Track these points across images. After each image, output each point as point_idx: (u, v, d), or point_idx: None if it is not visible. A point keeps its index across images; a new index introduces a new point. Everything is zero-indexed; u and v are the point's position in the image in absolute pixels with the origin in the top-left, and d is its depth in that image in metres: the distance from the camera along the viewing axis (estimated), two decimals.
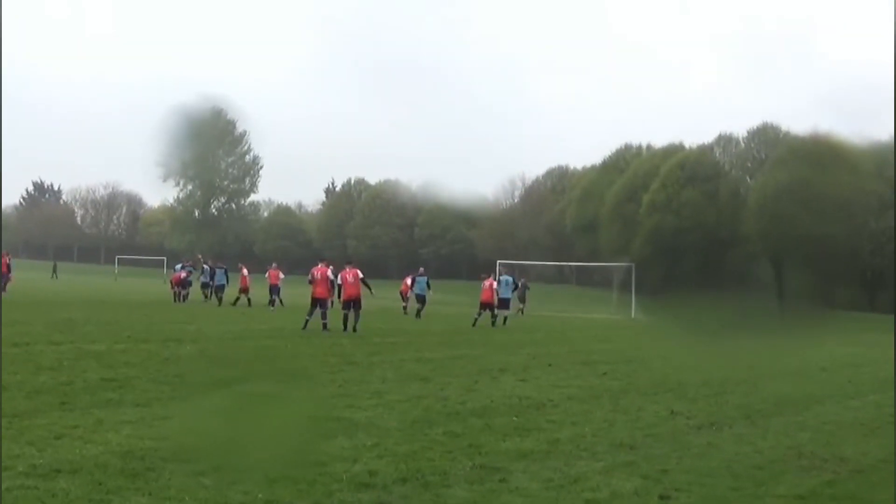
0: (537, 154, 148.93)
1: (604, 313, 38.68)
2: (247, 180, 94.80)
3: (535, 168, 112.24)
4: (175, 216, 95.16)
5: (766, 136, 59.61)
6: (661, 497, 5.67)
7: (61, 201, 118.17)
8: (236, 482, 5.38)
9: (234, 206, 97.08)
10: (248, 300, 29.06)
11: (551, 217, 72.01)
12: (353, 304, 19.71)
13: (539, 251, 64.54)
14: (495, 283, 25.15)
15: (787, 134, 57.58)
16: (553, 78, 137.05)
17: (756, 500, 5.86)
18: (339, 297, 20.56)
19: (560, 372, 12.98)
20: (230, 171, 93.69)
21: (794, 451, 7.49)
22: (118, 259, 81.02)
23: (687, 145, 62.65)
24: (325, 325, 19.29)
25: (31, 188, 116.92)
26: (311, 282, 20.30)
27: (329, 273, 20.99)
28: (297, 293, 21.02)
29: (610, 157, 70.83)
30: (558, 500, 5.53)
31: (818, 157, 46.16)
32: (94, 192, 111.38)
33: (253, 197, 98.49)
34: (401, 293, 31.28)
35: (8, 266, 29.86)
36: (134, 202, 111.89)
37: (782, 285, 47.89)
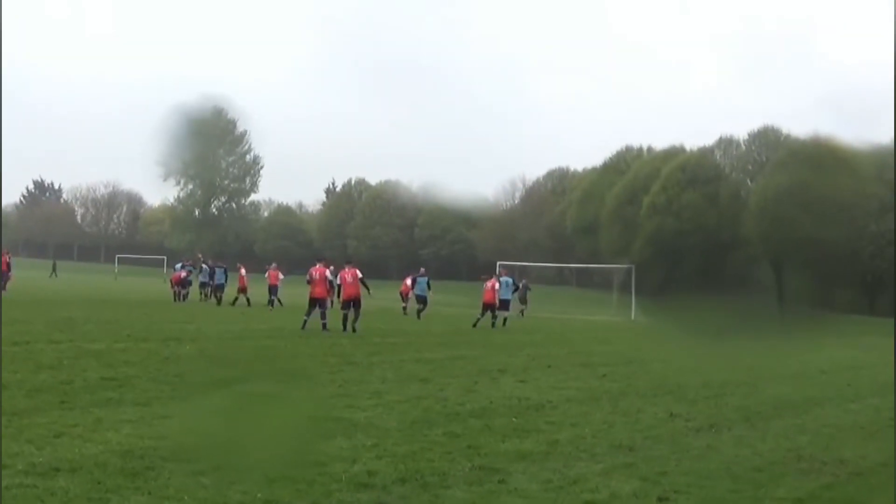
0: (537, 154, 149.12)
1: (604, 315, 38.67)
2: (247, 180, 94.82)
3: (535, 169, 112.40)
4: (175, 215, 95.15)
5: (766, 139, 59.63)
6: (660, 499, 5.67)
7: (61, 200, 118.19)
8: (235, 482, 5.39)
9: (234, 205, 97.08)
10: (247, 300, 29.05)
11: (552, 218, 72.00)
12: (352, 304, 19.71)
13: (539, 252, 64.55)
14: (497, 284, 25.13)
15: (787, 137, 57.61)
16: (553, 78, 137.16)
17: (755, 502, 5.86)
18: (338, 297, 20.57)
19: (559, 373, 12.98)
20: (231, 170, 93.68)
21: (794, 453, 7.49)
22: (118, 258, 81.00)
23: (688, 148, 62.72)
24: (324, 326, 19.29)
25: (31, 187, 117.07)
26: (309, 282, 20.30)
27: (328, 273, 21.00)
28: (296, 293, 21.03)
29: (610, 158, 70.86)
30: (557, 501, 5.54)
31: (818, 160, 46.18)
32: (94, 191, 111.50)
33: (253, 196, 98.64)
34: (401, 293, 31.27)
35: (8, 264, 29.86)
36: (134, 201, 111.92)
37: (782, 288, 47.94)
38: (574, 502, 5.53)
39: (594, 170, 72.29)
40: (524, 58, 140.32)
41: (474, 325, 23.89)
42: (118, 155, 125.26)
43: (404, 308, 29.97)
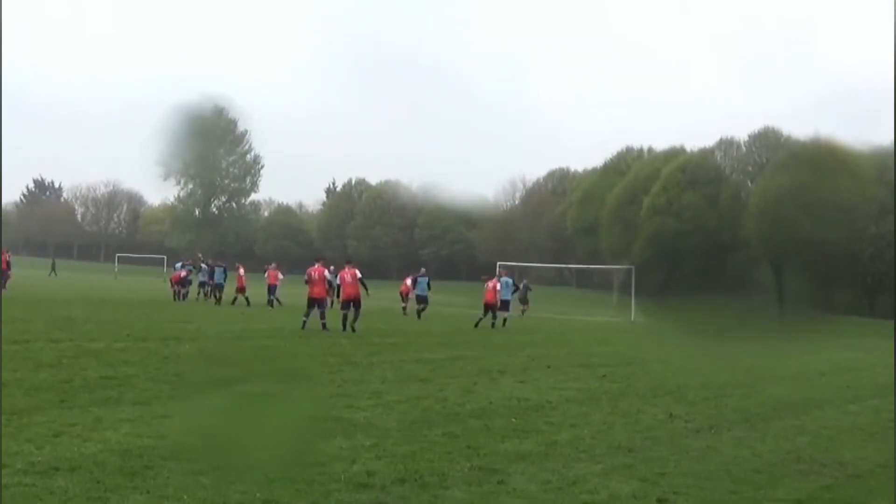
0: (537, 154, 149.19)
1: (603, 316, 38.68)
2: (247, 179, 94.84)
3: (535, 169, 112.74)
4: (175, 215, 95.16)
5: (767, 140, 59.58)
6: (660, 500, 5.67)
7: (62, 199, 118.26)
8: (235, 481, 5.38)
9: (234, 205, 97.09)
10: (246, 299, 29.07)
11: (552, 219, 72.00)
12: (352, 304, 19.71)
13: (539, 253, 64.54)
14: (499, 285, 25.17)
15: (787, 138, 57.57)
16: (553, 78, 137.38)
17: (754, 503, 5.86)
18: (338, 297, 20.57)
19: (559, 374, 12.98)
20: (231, 170, 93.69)
21: (793, 455, 7.50)
22: (118, 257, 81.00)
23: (688, 148, 62.72)
24: (324, 325, 19.29)
25: (31, 186, 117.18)
26: (307, 282, 20.30)
27: (326, 273, 21.00)
28: (296, 293, 21.03)
29: (611, 159, 70.85)
30: (556, 501, 5.54)
31: (819, 161, 46.17)
32: (94, 190, 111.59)
33: (253, 196, 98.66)
34: (401, 293, 31.28)
35: (8, 263, 29.86)
36: (134, 200, 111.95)
37: (782, 289, 47.94)
38: (573, 503, 5.53)
39: (594, 170, 72.29)
40: (524, 58, 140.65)
41: (476, 325, 23.91)
42: (118, 155, 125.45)
43: (404, 308, 29.98)
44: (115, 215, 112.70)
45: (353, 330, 19.07)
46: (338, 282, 20.88)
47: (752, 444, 7.87)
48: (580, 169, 78.22)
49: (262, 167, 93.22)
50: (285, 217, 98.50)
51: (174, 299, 30.98)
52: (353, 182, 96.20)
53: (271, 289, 29.13)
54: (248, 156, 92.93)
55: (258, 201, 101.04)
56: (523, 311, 33.67)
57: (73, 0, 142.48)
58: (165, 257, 72.73)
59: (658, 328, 29.37)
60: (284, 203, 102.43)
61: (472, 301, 40.82)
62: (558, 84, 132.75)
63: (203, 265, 32.29)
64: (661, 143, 71.43)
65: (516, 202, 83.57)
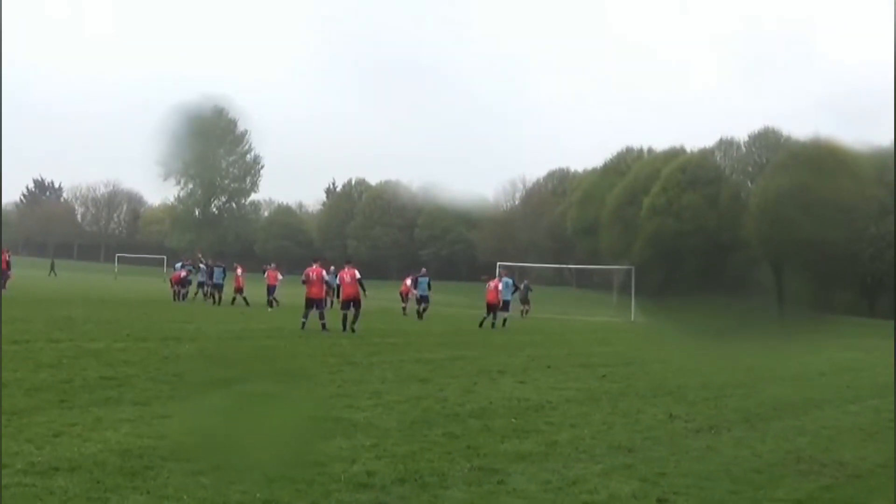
0: (537, 154, 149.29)
1: (603, 316, 38.68)
2: (247, 179, 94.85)
3: (535, 169, 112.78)
4: (175, 215, 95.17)
5: (767, 141, 59.59)
6: (659, 500, 5.67)
7: (62, 199, 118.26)
8: (235, 482, 5.38)
9: (234, 205, 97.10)
10: (245, 300, 29.12)
11: (552, 219, 72.01)
12: (352, 304, 19.71)
13: (539, 253, 64.56)
14: (500, 285, 25.21)
15: (787, 138, 57.58)
16: (553, 78, 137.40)
17: (754, 503, 5.86)
18: (338, 297, 20.59)
19: (559, 374, 12.98)
20: (231, 170, 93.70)
21: (793, 455, 7.50)
22: (118, 257, 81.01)
23: (688, 149, 62.75)
24: (323, 326, 19.30)
25: (31, 186, 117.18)
26: (304, 282, 20.29)
27: (324, 274, 21.01)
28: (296, 293, 21.03)
29: (611, 159, 70.88)
30: (556, 502, 5.53)
31: (819, 161, 46.17)
32: (94, 190, 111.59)
33: (253, 196, 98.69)
34: (401, 294, 31.28)
35: (8, 263, 29.86)
36: (134, 200, 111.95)
37: (782, 290, 47.93)
38: (573, 503, 5.53)
39: (594, 171, 72.32)
40: (524, 58, 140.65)
41: (480, 325, 24.00)
42: (118, 155, 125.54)
43: (404, 308, 29.98)
44: (115, 215, 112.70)
45: (353, 330, 19.07)
46: (337, 282, 20.88)
47: (752, 445, 7.87)
48: (580, 169, 78.36)
49: (262, 167, 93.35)
50: (285, 217, 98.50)
51: (174, 299, 30.99)
52: (353, 182, 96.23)
53: (270, 289, 29.11)
54: (248, 156, 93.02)
55: (258, 201, 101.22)
56: (526, 312, 33.69)
57: (72, 0, 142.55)
58: (165, 257, 72.73)
59: (658, 328, 29.36)
60: (284, 203, 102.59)
61: (472, 301, 40.86)
62: (558, 84, 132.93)
63: (201, 265, 32.30)
64: (661, 143, 71.62)
65: (516, 202, 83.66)
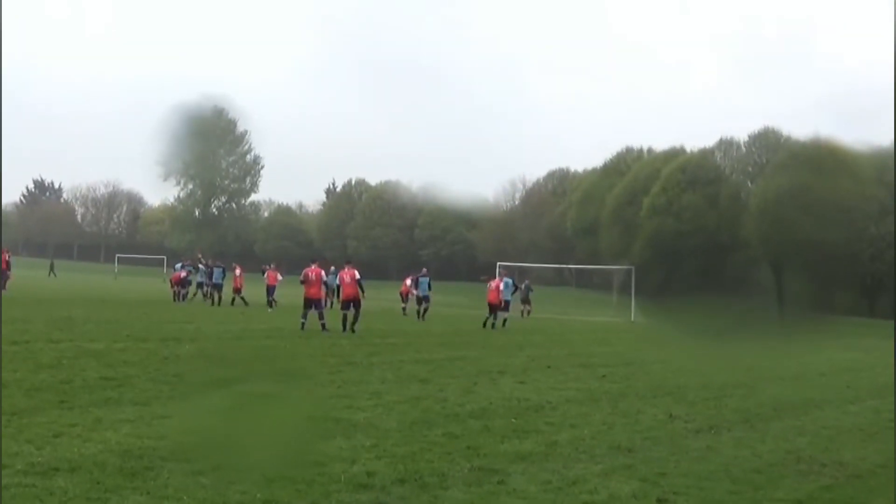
0: (537, 154, 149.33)
1: (603, 316, 38.68)
2: (247, 180, 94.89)
3: (535, 169, 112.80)
4: (175, 215, 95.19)
5: (767, 141, 59.60)
6: (659, 500, 5.68)
7: (62, 199, 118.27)
8: (235, 482, 5.38)
9: (234, 205, 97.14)
10: (243, 299, 29.17)
11: (552, 219, 72.03)
12: (352, 304, 19.71)
13: (539, 253, 64.54)
14: (502, 285, 25.24)
15: (787, 138, 57.60)
16: (553, 78, 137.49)
17: (754, 503, 5.86)
18: (338, 297, 20.60)
19: (559, 374, 12.98)
20: (231, 170, 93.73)
21: (793, 455, 7.50)
22: (118, 258, 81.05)
23: (688, 149, 62.78)
24: (323, 326, 19.29)
25: (31, 186, 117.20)
26: (303, 282, 20.29)
27: (323, 275, 21.02)
28: (297, 293, 21.05)
29: (611, 159, 70.92)
30: (556, 502, 5.54)
31: (819, 161, 46.18)
32: (94, 191, 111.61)
33: (253, 197, 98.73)
34: (401, 294, 31.28)
35: (8, 263, 29.86)
36: (134, 201, 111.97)
37: (782, 290, 47.91)
38: (573, 503, 5.53)
39: (594, 171, 72.35)
40: (524, 58, 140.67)
41: (484, 325, 24.04)
42: (118, 155, 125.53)
43: (404, 308, 29.98)
44: (115, 216, 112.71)
45: (354, 331, 19.07)
46: (337, 282, 20.89)
47: (751, 445, 7.87)
48: (580, 169, 78.40)
49: (262, 167, 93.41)
50: (285, 217, 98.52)
51: (174, 300, 31.00)
52: (353, 182, 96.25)
53: (270, 289, 29.09)
54: (248, 156, 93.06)
55: (258, 202, 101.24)
56: (529, 312, 33.68)
57: (72, 0, 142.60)
58: (165, 258, 72.72)
59: (658, 328, 29.36)
60: (284, 203, 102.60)
61: (472, 301, 40.86)
62: (558, 84, 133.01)
63: (200, 266, 32.32)
64: (661, 143, 71.67)
65: (516, 202, 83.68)
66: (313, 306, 19.81)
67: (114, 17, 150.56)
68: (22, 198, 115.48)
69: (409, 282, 30.39)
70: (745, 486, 6.23)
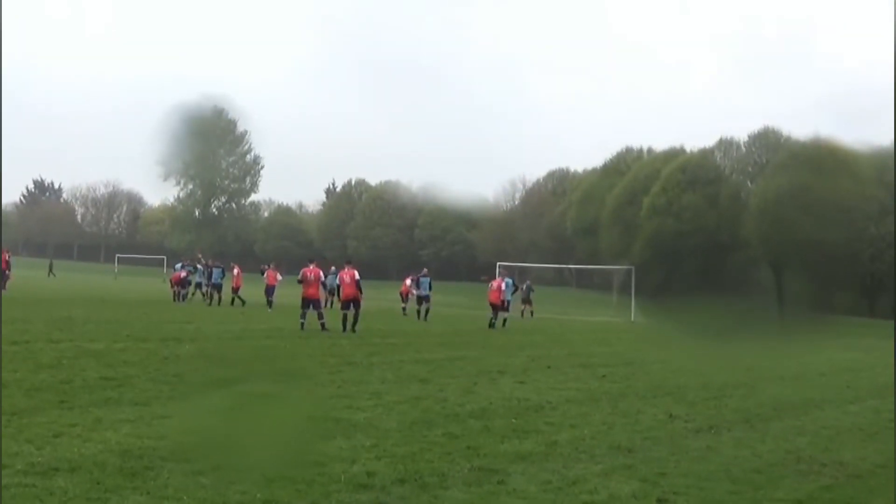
0: (537, 154, 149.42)
1: (603, 316, 38.67)
2: (247, 180, 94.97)
3: (535, 169, 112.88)
4: (175, 215, 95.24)
5: (767, 141, 59.61)
6: (659, 500, 5.67)
7: (62, 199, 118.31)
8: (235, 482, 5.38)
9: (234, 205, 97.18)
10: (241, 299, 29.23)
11: (552, 219, 72.04)
12: (351, 304, 19.71)
13: (539, 253, 64.58)
14: (503, 285, 25.27)
15: (788, 138, 57.61)
16: (553, 78, 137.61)
17: (754, 503, 5.86)
18: (338, 297, 20.60)
19: (559, 374, 12.98)
20: (231, 170, 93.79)
21: (793, 455, 7.50)
22: (118, 258, 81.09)
23: (688, 149, 62.80)
24: (322, 326, 19.29)
25: (31, 186, 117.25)
26: (301, 281, 20.28)
27: (322, 275, 21.03)
28: (296, 293, 21.06)
29: (611, 160, 70.94)
30: (556, 502, 5.54)
31: (819, 161, 46.20)
32: (94, 191, 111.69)
33: (253, 197, 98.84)
34: (401, 294, 31.28)
35: (8, 263, 29.86)
36: (134, 201, 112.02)
37: (782, 290, 47.93)
38: (573, 503, 5.53)
39: (594, 171, 72.39)
40: (524, 58, 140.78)
41: (490, 326, 24.05)
42: (118, 155, 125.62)
43: (404, 308, 29.99)
44: (115, 216, 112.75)
45: (354, 330, 19.07)
46: (337, 282, 20.90)
47: (751, 445, 7.87)
48: (580, 169, 78.44)
49: (262, 167, 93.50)
50: (285, 217, 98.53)
51: (174, 300, 31.00)
52: (353, 182, 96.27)
53: (270, 289, 29.08)
54: (248, 156, 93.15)
55: (258, 202, 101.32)
56: (531, 312, 33.66)
57: (72, 0, 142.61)
58: (165, 258, 72.74)
59: (658, 328, 29.37)
60: (284, 203, 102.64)
61: (472, 301, 40.86)
62: (558, 84, 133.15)
63: (199, 266, 32.34)
64: (660, 143, 71.74)
65: (516, 202, 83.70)
66: (311, 306, 19.81)
67: (114, 17, 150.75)
68: (22, 198, 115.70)
69: (409, 282, 30.39)
70: (745, 486, 6.23)
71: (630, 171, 63.86)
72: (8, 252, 32.38)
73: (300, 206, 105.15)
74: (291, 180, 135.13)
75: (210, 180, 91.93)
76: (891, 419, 9.87)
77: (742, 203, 54.73)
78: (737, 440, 8.09)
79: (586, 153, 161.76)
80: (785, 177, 48.02)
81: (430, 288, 28.06)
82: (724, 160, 61.68)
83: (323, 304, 21.09)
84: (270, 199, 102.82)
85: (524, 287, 33.65)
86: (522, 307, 33.49)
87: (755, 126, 63.65)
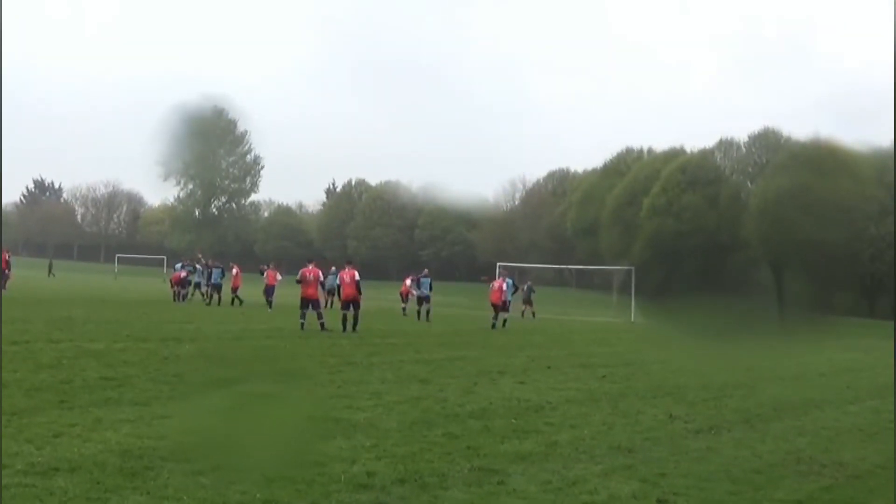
0: (537, 154, 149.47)
1: (603, 316, 38.66)
2: (247, 180, 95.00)
3: (535, 169, 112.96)
4: (175, 215, 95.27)
5: (767, 141, 59.62)
6: (659, 501, 5.68)
7: (62, 199, 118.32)
8: (235, 482, 5.38)
9: (234, 205, 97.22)
10: (238, 298, 29.28)
11: (552, 220, 72.05)
12: (351, 304, 19.70)
13: (539, 254, 64.58)
14: (504, 285, 25.28)
15: (788, 139, 57.63)
16: (553, 78, 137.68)
17: None
18: (338, 297, 20.62)
19: (559, 374, 12.98)
20: (231, 170, 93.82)
21: (793, 455, 7.50)
22: (118, 258, 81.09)
23: (688, 149, 62.82)
24: (322, 325, 19.29)
25: (31, 186, 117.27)
26: (299, 281, 20.28)
27: (321, 275, 21.04)
28: (296, 293, 21.06)
29: (611, 160, 70.96)
30: (556, 502, 5.54)
31: (819, 162, 46.20)
32: (94, 191, 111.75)
33: (253, 197, 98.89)
34: (401, 294, 31.28)
35: (8, 263, 29.85)
36: (134, 201, 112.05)
37: (782, 290, 47.91)
38: (573, 503, 5.53)
39: (594, 171, 72.41)
40: (524, 58, 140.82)
41: (493, 326, 24.05)
42: (118, 155, 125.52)
43: (404, 308, 29.98)
44: (115, 216, 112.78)
45: (354, 330, 19.07)
46: (337, 282, 20.92)
47: (751, 445, 7.87)
48: (580, 169, 78.46)
49: (262, 167, 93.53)
50: (285, 217, 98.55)
51: (174, 300, 31.00)
52: (353, 183, 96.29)
53: (269, 289, 29.08)
54: (248, 156, 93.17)
55: (258, 202, 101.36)
56: (533, 313, 33.64)
57: (72, 0, 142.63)
58: (165, 258, 72.77)
59: (658, 329, 29.36)
60: (284, 203, 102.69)
61: (472, 302, 40.85)
62: (558, 84, 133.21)
63: (198, 266, 32.34)
64: (660, 143, 71.70)
65: (516, 203, 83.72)
66: (310, 306, 19.81)
67: (114, 17, 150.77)
68: (22, 198, 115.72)
69: (408, 282, 30.39)
70: (745, 486, 6.23)
71: (630, 172, 63.87)
72: (8, 252, 32.38)
73: (300, 206, 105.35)
74: (291, 180, 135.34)
75: (210, 180, 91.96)
76: (891, 420, 9.87)
77: (742, 203, 54.73)
78: (737, 440, 8.09)
79: (586, 153, 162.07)
80: (785, 177, 48.01)
81: (430, 288, 28.05)
82: (724, 160, 61.69)
83: (322, 304, 21.09)
84: (270, 199, 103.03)
85: (525, 288, 33.64)
86: (523, 307, 33.49)
87: (755, 126, 63.77)
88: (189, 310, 25.59)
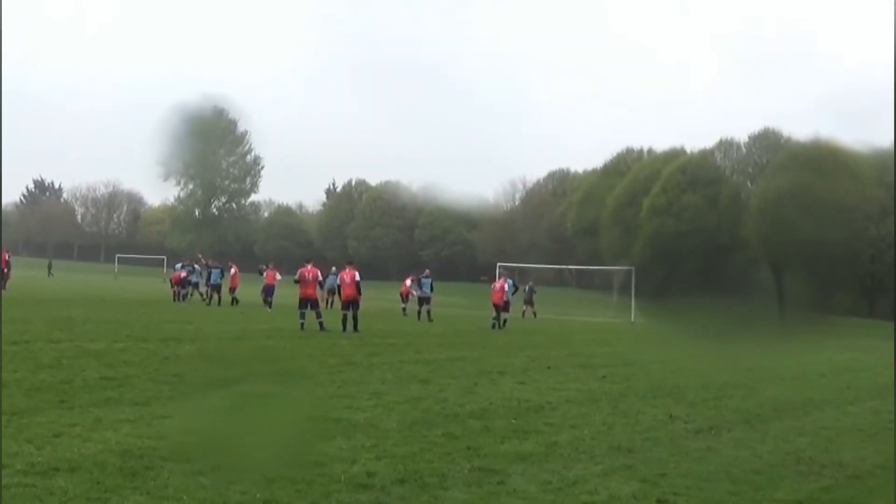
0: (537, 154, 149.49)
1: (603, 317, 38.66)
2: (247, 180, 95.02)
3: (535, 169, 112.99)
4: (175, 215, 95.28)
5: (767, 142, 59.60)
6: (659, 501, 5.67)
7: (62, 199, 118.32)
8: (235, 482, 5.38)
9: (234, 205, 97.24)
10: (235, 299, 29.33)
11: (552, 220, 72.05)
12: (351, 304, 19.71)
13: (539, 254, 64.59)
14: (506, 285, 25.29)
15: (788, 139, 57.60)
16: (553, 78, 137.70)
17: None
18: (339, 297, 20.64)
19: (559, 375, 12.98)
20: (231, 170, 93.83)
21: (793, 456, 7.50)
22: (118, 258, 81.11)
23: (688, 149, 62.82)
24: (321, 325, 19.30)
25: (31, 186, 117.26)
26: (298, 281, 20.29)
27: (319, 275, 21.06)
28: (296, 293, 21.06)
29: (611, 160, 70.94)
30: (556, 502, 5.53)
31: (819, 162, 46.19)
32: (94, 191, 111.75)
33: (253, 197, 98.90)
34: (401, 294, 31.28)
35: (8, 263, 29.85)
36: (134, 201, 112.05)
37: (782, 290, 47.89)
38: None
39: (595, 171, 72.40)
40: (524, 58, 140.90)
41: (493, 327, 24.05)
42: (118, 155, 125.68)
43: (404, 309, 29.99)
44: (115, 216, 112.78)
45: (356, 330, 19.08)
46: (337, 282, 20.93)
47: (751, 445, 7.87)
48: (580, 170, 78.46)
49: (262, 168, 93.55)
50: (285, 218, 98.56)
51: (174, 300, 31.00)
52: (353, 183, 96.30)
53: (269, 289, 29.06)
54: (248, 156, 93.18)
55: (258, 202, 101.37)
56: (534, 314, 33.63)
57: (73, 0, 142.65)
58: (165, 258, 72.76)
59: (658, 329, 29.37)
60: (284, 204, 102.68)
61: (472, 302, 40.86)
62: (558, 84, 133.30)
63: (196, 266, 32.35)
64: (661, 143, 71.65)
65: (516, 203, 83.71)
66: (309, 306, 19.82)
67: (114, 18, 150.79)
68: (22, 198, 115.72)
69: (409, 282, 30.39)
70: (745, 486, 6.23)
71: (630, 172, 63.85)
72: (8, 252, 32.36)
73: (300, 206, 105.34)
74: (291, 180, 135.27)
75: (210, 180, 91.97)
76: (891, 420, 9.86)
77: (742, 204, 54.71)
78: (737, 441, 8.09)
79: (586, 153, 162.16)
80: (785, 177, 47.99)
81: (431, 289, 28.06)
82: (724, 161, 61.66)
83: (322, 304, 21.10)
84: (270, 200, 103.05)
85: (526, 288, 33.64)
86: (524, 308, 33.50)
87: (755, 126, 63.72)
88: (189, 310, 25.59)
